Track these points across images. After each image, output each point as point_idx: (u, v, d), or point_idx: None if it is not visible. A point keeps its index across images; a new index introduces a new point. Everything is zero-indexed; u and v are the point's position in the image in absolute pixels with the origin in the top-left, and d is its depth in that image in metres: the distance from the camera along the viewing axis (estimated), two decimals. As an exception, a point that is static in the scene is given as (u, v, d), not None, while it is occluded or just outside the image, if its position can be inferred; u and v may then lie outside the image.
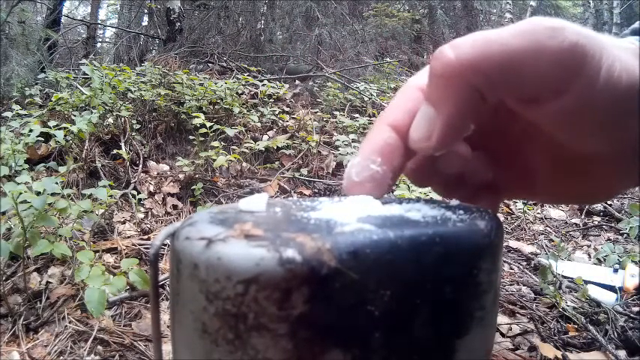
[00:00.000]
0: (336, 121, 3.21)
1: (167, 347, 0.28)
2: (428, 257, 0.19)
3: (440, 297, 0.20)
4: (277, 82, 3.62)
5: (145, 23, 7.67)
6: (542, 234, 2.31)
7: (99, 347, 1.22)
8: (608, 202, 2.76)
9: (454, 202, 0.26)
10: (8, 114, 2.40)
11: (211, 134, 2.40)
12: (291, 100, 3.85)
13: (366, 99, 3.87)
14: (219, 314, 0.17)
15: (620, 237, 2.29)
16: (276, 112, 3.19)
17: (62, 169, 1.86)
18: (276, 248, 0.16)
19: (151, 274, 0.20)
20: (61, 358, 1.18)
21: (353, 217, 0.20)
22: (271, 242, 0.17)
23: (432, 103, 0.24)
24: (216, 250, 0.17)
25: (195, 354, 0.18)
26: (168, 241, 0.20)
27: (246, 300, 0.16)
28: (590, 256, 2.05)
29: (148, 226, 1.96)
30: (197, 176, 2.33)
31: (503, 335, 1.37)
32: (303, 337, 0.17)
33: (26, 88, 3.23)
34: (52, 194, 1.35)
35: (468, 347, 0.21)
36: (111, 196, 1.64)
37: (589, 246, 2.21)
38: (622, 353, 1.27)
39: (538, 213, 2.61)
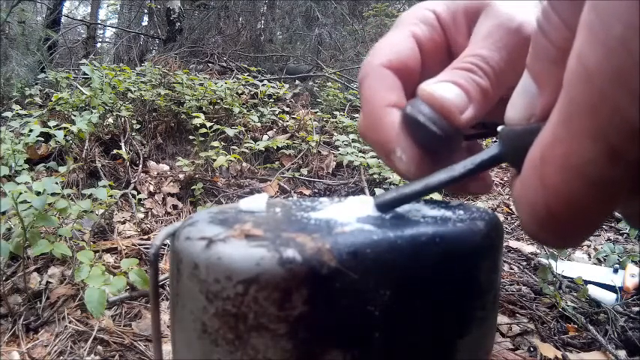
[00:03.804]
0: (336, 121, 3.21)
1: (167, 347, 0.28)
2: (428, 257, 0.19)
3: (440, 297, 0.20)
4: (277, 82, 3.62)
5: (145, 23, 7.67)
6: (542, 234, 2.31)
7: (99, 347, 1.22)
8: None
9: (454, 202, 0.26)
10: (8, 114, 2.40)
11: (211, 134, 2.40)
12: (291, 100, 3.85)
13: (366, 99, 3.87)
14: (219, 314, 0.17)
15: (620, 237, 2.29)
16: (276, 112, 3.19)
17: (62, 169, 1.86)
18: (276, 248, 0.16)
19: (150, 274, 0.20)
20: (61, 358, 1.18)
21: (353, 217, 0.20)
22: (271, 242, 0.17)
23: (535, 78, 0.19)
24: (216, 250, 0.17)
25: (194, 354, 0.18)
26: (168, 241, 0.20)
27: (246, 300, 0.16)
28: (590, 256, 2.05)
29: (148, 226, 1.96)
30: (197, 176, 2.33)
31: (503, 335, 1.37)
32: (303, 338, 0.17)
33: (26, 88, 3.23)
34: (52, 194, 1.35)
35: (469, 347, 0.21)
36: (111, 196, 1.64)
37: (589, 246, 2.20)
38: (622, 353, 1.27)
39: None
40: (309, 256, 0.16)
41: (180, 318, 0.19)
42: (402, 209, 0.22)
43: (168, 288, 1.28)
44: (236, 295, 0.16)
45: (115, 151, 2.39)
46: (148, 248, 1.73)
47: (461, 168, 0.21)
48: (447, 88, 0.23)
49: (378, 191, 2.04)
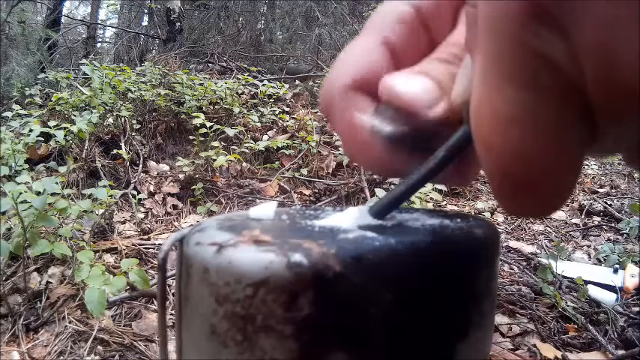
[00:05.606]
0: (335, 122, 3.21)
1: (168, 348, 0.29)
2: (427, 263, 0.20)
3: (439, 302, 0.20)
4: (277, 82, 3.62)
5: (145, 23, 7.66)
6: (542, 234, 2.31)
7: (99, 347, 1.23)
8: (608, 203, 2.76)
9: (453, 211, 0.26)
10: (8, 114, 2.41)
11: (211, 134, 2.40)
12: (291, 100, 3.86)
13: (365, 99, 3.87)
14: (228, 316, 0.17)
15: (620, 237, 2.29)
16: (276, 112, 3.19)
17: (62, 169, 1.87)
18: (284, 253, 0.17)
19: (159, 278, 0.20)
20: (61, 358, 1.19)
21: (354, 224, 0.21)
22: (279, 247, 0.17)
23: (468, 49, 0.18)
24: (226, 254, 0.18)
25: (203, 356, 0.19)
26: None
27: (254, 302, 0.17)
28: (590, 256, 2.05)
29: (148, 226, 1.96)
30: (197, 176, 2.34)
31: (503, 335, 1.37)
32: (308, 338, 0.17)
33: (26, 88, 3.23)
34: (52, 194, 1.35)
35: (467, 350, 0.21)
36: (111, 196, 1.65)
37: (589, 246, 2.21)
38: (622, 353, 1.28)
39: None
40: (315, 260, 0.17)
41: (189, 320, 0.19)
42: (401, 217, 0.23)
43: (169, 290, 1.28)
44: (245, 298, 0.17)
45: (115, 151, 2.40)
46: (148, 248, 1.73)
47: (435, 159, 0.20)
48: (413, 82, 0.20)
49: (378, 191, 2.05)
